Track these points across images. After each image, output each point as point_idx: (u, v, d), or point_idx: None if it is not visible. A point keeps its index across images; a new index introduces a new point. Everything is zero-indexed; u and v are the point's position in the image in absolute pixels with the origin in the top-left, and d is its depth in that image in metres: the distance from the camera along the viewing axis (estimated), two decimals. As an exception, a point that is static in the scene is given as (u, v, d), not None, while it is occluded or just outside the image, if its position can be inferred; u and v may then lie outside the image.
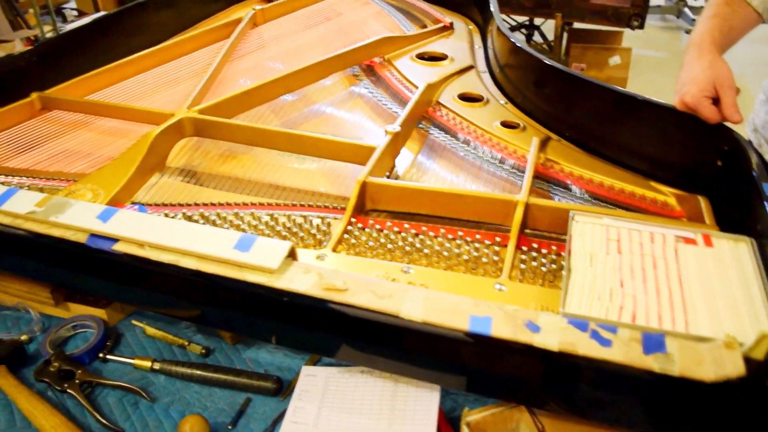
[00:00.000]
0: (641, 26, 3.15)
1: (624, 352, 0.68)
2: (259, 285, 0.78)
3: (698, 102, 1.02)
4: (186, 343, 1.07)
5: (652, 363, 0.67)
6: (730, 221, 0.98)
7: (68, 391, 0.97)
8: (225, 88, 1.47)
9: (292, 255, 0.82)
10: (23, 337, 1.07)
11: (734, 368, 0.66)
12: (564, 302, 0.78)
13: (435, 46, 1.70)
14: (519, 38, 1.46)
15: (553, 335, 0.70)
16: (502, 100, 1.43)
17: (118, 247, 0.86)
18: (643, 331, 0.71)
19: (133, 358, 1.03)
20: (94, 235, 0.88)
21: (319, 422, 0.91)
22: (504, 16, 4.26)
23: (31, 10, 3.08)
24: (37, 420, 0.92)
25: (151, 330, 1.09)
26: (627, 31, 3.72)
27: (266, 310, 0.82)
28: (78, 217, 0.90)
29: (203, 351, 1.05)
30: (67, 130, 1.33)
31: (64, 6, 3.86)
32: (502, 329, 0.71)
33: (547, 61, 1.33)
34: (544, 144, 1.23)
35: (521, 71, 1.44)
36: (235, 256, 0.81)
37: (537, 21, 4.14)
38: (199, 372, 1.00)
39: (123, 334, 1.10)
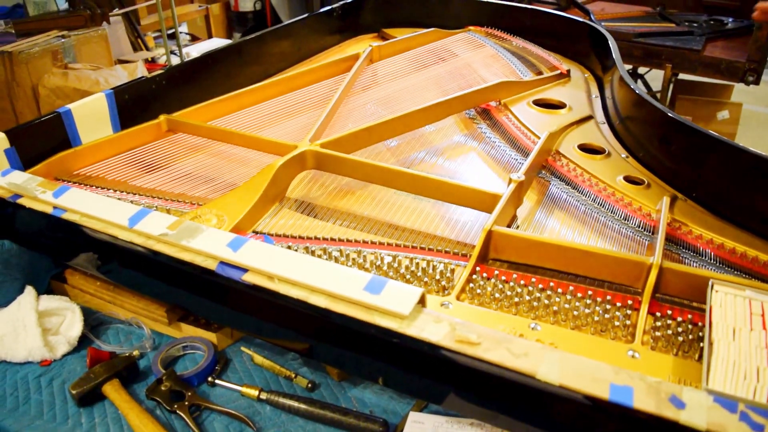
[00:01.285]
0: (757, 82, 3.01)
1: (781, 442, 0.63)
2: (390, 330, 0.77)
3: None
4: (293, 376, 1.06)
5: (815, 458, 0.62)
6: None
7: (177, 412, 0.99)
8: (342, 123, 1.48)
9: (421, 302, 0.80)
10: (135, 353, 1.10)
11: None
12: (708, 378, 0.73)
13: (551, 93, 1.68)
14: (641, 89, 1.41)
15: (700, 414, 0.65)
16: (624, 153, 1.39)
17: (248, 278, 0.86)
18: (800, 419, 0.66)
19: (241, 386, 1.04)
20: (223, 263, 0.89)
21: (427, 473, 0.88)
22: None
23: (150, 33, 3.24)
24: (149, 438, 0.94)
25: (259, 358, 1.10)
26: (738, 84, 3.58)
27: (393, 356, 0.81)
28: (209, 244, 0.91)
29: (309, 385, 1.05)
30: (190, 153, 1.37)
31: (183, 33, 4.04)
32: (644, 402, 0.67)
33: (675, 116, 1.28)
34: (672, 203, 1.18)
35: (645, 125, 1.39)
36: (366, 298, 0.80)
37: (642, 69, 4.03)
38: (305, 407, 0.99)
39: (231, 359, 1.11)
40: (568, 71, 1.78)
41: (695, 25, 3.32)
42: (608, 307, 0.90)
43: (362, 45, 1.99)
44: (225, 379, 1.07)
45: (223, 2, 4.31)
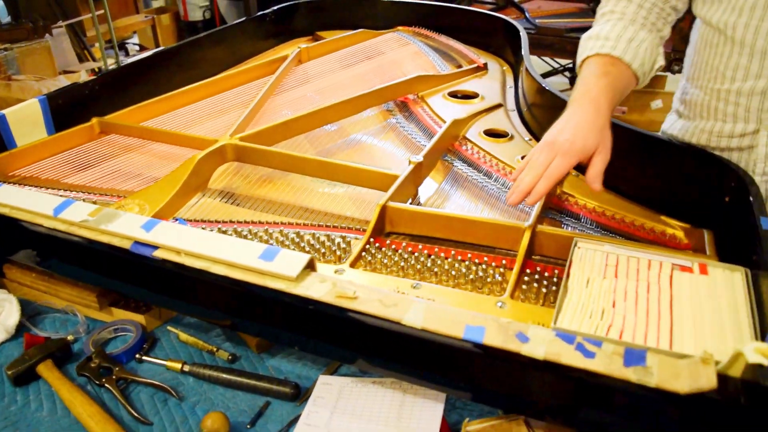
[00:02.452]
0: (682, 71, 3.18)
1: (605, 363, 0.74)
2: (279, 291, 0.87)
3: (573, 160, 1.01)
4: (215, 350, 1.15)
5: (631, 374, 0.73)
6: (733, 252, 1.02)
7: (105, 385, 1.07)
8: (268, 119, 1.58)
9: (311, 266, 0.90)
10: (69, 337, 1.18)
11: (707, 382, 0.70)
12: (556, 318, 0.84)
13: (468, 85, 1.79)
14: (550, 80, 1.53)
15: (541, 346, 0.76)
16: (527, 136, 1.50)
17: (158, 254, 0.96)
18: (626, 347, 0.76)
19: (166, 360, 1.12)
20: (137, 243, 0.98)
21: (330, 426, 0.97)
22: (548, 59, 4.35)
23: (97, 44, 3.31)
24: (76, 409, 1.02)
25: (184, 336, 1.18)
26: (670, 75, 3.75)
27: (285, 315, 0.91)
28: (124, 227, 1.00)
29: (230, 357, 1.14)
30: (121, 153, 1.46)
31: (128, 41, 4.11)
32: (493, 338, 0.77)
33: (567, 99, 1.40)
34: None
35: (546, 110, 1.51)
36: (260, 264, 0.89)
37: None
38: (224, 375, 1.08)
39: (159, 338, 1.20)
40: (485, 64, 1.90)
41: (626, 19, 3.48)
42: (485, 267, 1.01)
43: (295, 48, 2.08)
44: (152, 356, 1.15)
45: (172, 12, 4.38)
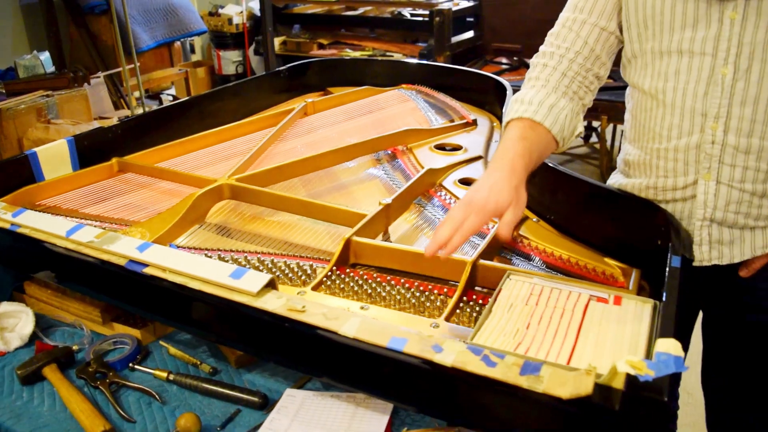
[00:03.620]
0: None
1: (503, 371, 0.87)
2: (242, 303, 1.02)
3: (486, 217, 1.11)
4: (199, 363, 1.30)
5: (523, 381, 0.86)
6: (653, 287, 1.15)
7: (99, 387, 1.22)
8: (268, 163, 1.76)
9: (272, 285, 1.06)
10: (74, 347, 1.34)
11: (585, 389, 0.83)
12: (474, 336, 0.97)
13: (457, 138, 1.96)
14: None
15: (451, 355, 0.90)
16: (500, 186, 1.65)
17: (147, 270, 1.12)
18: (525, 360, 0.89)
19: (154, 370, 1.28)
20: (131, 261, 1.15)
21: (289, 430, 1.11)
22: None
23: (135, 93, 3.59)
24: (71, 405, 1.18)
25: (173, 350, 1.34)
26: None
27: (246, 325, 1.06)
28: (123, 248, 1.18)
29: (211, 370, 1.28)
30: (134, 189, 1.65)
31: (165, 92, 4.41)
32: (412, 348, 0.91)
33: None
34: (519, 223, 1.43)
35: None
36: (229, 281, 1.05)
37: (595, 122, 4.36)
38: (203, 384, 1.23)
39: (152, 351, 1.35)
40: (474, 120, 2.06)
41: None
42: (428, 294, 1.15)
43: (303, 101, 2.28)
44: (144, 365, 1.31)
45: (208, 66, 4.71)
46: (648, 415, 0.81)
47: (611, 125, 3.90)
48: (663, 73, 1.25)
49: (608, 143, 4.05)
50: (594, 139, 4.54)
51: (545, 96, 1.27)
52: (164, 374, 1.26)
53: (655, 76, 1.26)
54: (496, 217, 1.13)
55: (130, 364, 1.30)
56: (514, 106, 1.29)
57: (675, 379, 0.83)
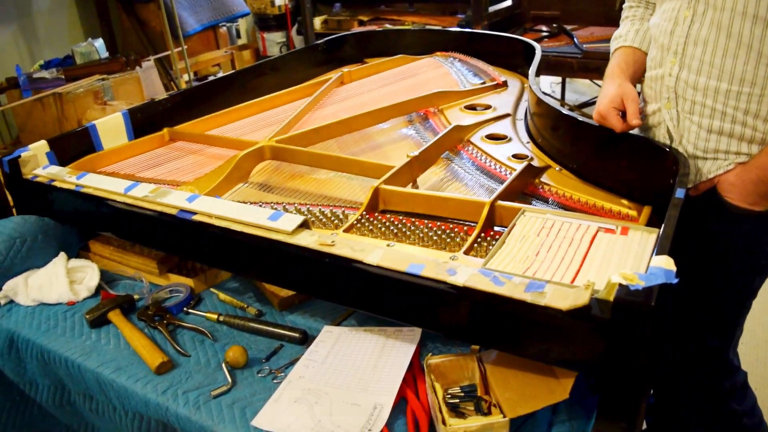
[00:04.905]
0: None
1: (510, 289, 0.97)
2: (279, 241, 1.14)
3: (608, 112, 1.36)
4: (245, 306, 1.43)
5: (528, 297, 0.95)
6: (660, 218, 1.22)
7: (158, 328, 1.37)
8: (309, 127, 1.86)
9: (306, 226, 1.17)
10: (135, 296, 1.49)
11: (582, 301, 0.92)
12: (486, 262, 1.07)
13: (487, 99, 2.03)
14: (550, 97, 1.74)
15: (464, 277, 1.00)
16: (526, 140, 1.73)
17: (196, 218, 1.25)
18: (531, 280, 0.99)
19: (206, 312, 1.41)
20: (182, 210, 1.28)
21: (326, 361, 1.23)
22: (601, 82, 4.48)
23: (185, 76, 3.76)
24: (134, 342, 1.32)
25: (223, 296, 1.47)
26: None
27: (284, 261, 1.18)
28: (174, 200, 1.31)
29: (257, 312, 1.41)
30: (184, 155, 1.79)
31: (214, 75, 4.57)
32: (428, 271, 1.01)
33: (560, 109, 1.62)
34: (541, 171, 1.51)
35: (543, 118, 1.73)
36: (267, 223, 1.17)
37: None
38: (250, 324, 1.36)
39: (204, 298, 1.49)
40: (505, 82, 2.13)
41: (673, 42, 3.59)
42: (450, 232, 1.24)
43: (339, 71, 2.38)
44: (197, 309, 1.44)
45: (253, 48, 4.86)
46: (637, 320, 0.89)
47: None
48: (658, 11, 1.43)
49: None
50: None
51: (631, 26, 1.56)
52: (215, 316, 1.39)
53: (657, 12, 1.44)
54: (616, 108, 1.37)
55: (185, 309, 1.44)
56: (613, 44, 1.60)
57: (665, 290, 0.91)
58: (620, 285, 0.90)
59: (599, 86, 4.80)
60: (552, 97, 4.99)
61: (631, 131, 1.39)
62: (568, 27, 4.10)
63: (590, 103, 4.90)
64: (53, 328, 1.43)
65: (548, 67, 3.81)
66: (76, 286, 1.53)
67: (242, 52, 4.58)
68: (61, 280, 1.52)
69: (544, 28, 4.27)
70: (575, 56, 3.66)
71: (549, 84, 5.57)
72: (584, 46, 3.71)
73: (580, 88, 5.50)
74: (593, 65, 3.64)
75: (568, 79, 5.09)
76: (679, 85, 1.36)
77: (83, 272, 1.58)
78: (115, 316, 1.42)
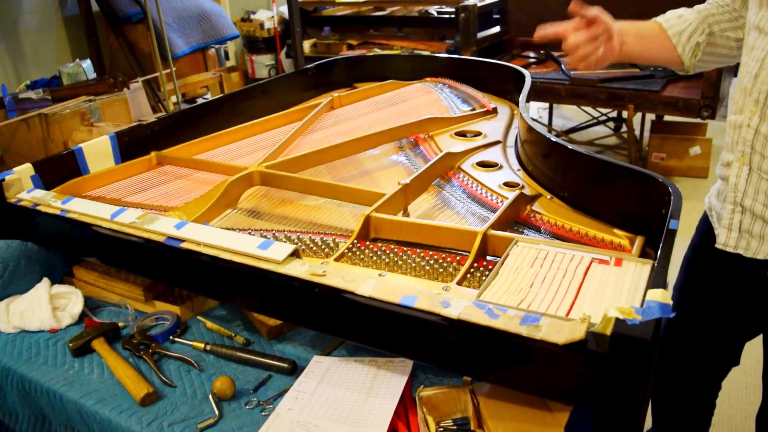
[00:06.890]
0: (712, 116, 3.31)
1: (505, 322, 0.95)
2: (269, 270, 1.12)
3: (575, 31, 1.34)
4: (233, 335, 1.41)
5: (523, 330, 0.93)
6: (655, 250, 1.21)
7: (143, 357, 1.34)
8: (298, 153, 1.85)
9: (296, 255, 1.15)
10: (120, 324, 1.46)
11: (579, 335, 0.90)
12: (480, 294, 1.05)
13: (477, 126, 2.04)
14: (593, 130, 1.74)
15: (458, 309, 0.98)
16: (517, 167, 1.72)
17: (184, 245, 1.23)
18: (526, 312, 0.97)
19: (192, 341, 1.38)
20: (170, 237, 1.26)
21: (315, 392, 1.21)
22: (588, 109, 4.53)
23: (173, 98, 3.75)
24: (118, 373, 1.29)
25: (209, 324, 1.44)
26: (713, 122, 3.87)
27: (274, 290, 1.16)
28: (161, 226, 1.29)
29: (245, 341, 1.39)
30: (172, 179, 1.76)
31: (202, 97, 4.57)
32: (422, 303, 1.00)
33: (550, 137, 1.62)
34: (533, 199, 1.51)
35: (534, 145, 1.73)
36: (257, 252, 1.15)
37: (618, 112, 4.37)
38: (237, 353, 1.33)
39: (190, 326, 1.46)
40: (494, 108, 2.13)
41: (659, 69, 3.65)
42: (442, 262, 1.23)
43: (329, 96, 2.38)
44: (183, 338, 1.42)
45: (241, 71, 4.87)
46: (635, 355, 0.88)
47: (639, 114, 3.92)
48: (745, 47, 1.27)
49: (636, 132, 4.06)
50: (624, 129, 4.55)
51: (682, 10, 1.45)
52: (202, 345, 1.37)
53: (745, 49, 1.29)
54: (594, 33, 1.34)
55: (171, 337, 1.41)
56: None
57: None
58: (617, 319, 0.89)
59: (586, 112, 4.91)
60: (539, 122, 5.03)
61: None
62: (556, 54, 4.15)
63: (578, 129, 4.94)
64: (35, 356, 1.39)
65: (536, 93, 3.85)
66: (59, 313, 1.50)
67: (231, 74, 4.58)
68: (44, 307, 1.48)
69: (532, 55, 4.32)
70: (563, 82, 3.70)
71: (536, 109, 5.62)
72: (572, 72, 3.75)
73: (567, 114, 5.55)
74: (581, 91, 3.69)
75: (555, 105, 5.14)
76: (758, 139, 1.20)
77: (67, 298, 1.54)
78: (99, 344, 1.38)
